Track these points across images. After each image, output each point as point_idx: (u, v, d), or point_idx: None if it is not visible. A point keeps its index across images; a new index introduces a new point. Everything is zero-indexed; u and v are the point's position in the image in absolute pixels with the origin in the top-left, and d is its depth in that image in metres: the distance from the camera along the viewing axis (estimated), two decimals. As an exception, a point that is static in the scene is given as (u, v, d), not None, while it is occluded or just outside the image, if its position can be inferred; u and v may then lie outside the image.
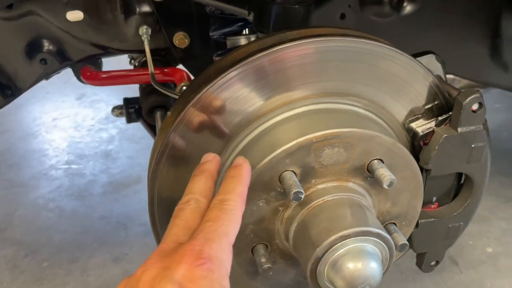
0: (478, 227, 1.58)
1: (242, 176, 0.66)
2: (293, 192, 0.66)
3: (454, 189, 0.85)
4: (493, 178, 1.76)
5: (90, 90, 2.46)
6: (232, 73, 0.70)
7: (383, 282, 1.38)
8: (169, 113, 0.74)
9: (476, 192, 0.82)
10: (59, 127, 2.23)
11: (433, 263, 0.88)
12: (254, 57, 0.69)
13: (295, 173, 0.70)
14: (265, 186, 0.70)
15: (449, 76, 1.17)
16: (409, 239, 0.85)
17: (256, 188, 0.70)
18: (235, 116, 0.72)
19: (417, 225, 0.83)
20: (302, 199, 0.67)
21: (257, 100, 0.72)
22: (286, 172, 0.69)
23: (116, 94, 2.41)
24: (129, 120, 1.39)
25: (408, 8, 1.14)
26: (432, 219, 0.83)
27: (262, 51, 0.70)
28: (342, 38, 0.72)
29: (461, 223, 0.84)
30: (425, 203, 0.85)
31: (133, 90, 1.60)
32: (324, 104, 0.75)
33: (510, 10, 1.19)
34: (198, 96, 0.69)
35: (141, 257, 1.47)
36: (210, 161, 0.69)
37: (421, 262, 0.88)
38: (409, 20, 1.17)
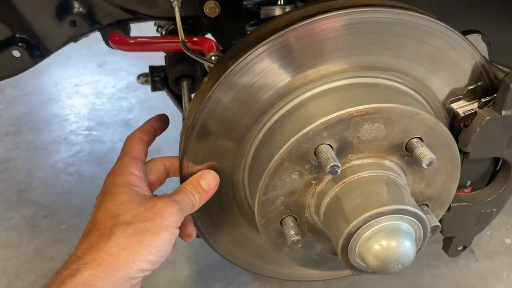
0: (498, 218, 1.52)
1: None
2: (329, 165, 0.65)
3: (489, 174, 0.83)
4: (516, 170, 1.74)
5: (112, 58, 2.44)
6: (274, 41, 0.68)
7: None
8: (206, 78, 0.73)
9: (513, 179, 0.80)
10: (80, 93, 2.23)
11: (460, 248, 0.87)
12: (298, 25, 0.67)
13: (331, 146, 0.68)
14: (300, 158, 0.69)
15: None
16: (440, 223, 0.84)
17: (291, 160, 0.69)
18: (271, 87, 0.70)
19: (448, 208, 0.81)
20: (338, 173, 0.65)
21: (295, 70, 0.70)
22: (323, 145, 0.68)
23: (138, 63, 2.39)
24: (154, 89, 1.38)
25: (446, -13, 1.10)
26: (465, 203, 0.81)
27: (306, 19, 0.67)
28: (391, 9, 0.69)
29: (494, 209, 0.82)
30: (459, 187, 0.83)
31: (155, 60, 1.59)
32: (364, 78, 0.73)
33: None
34: (237, 62, 0.67)
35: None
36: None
37: (448, 246, 0.87)
38: (448, 1, 1.13)
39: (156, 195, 0.74)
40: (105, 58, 2.45)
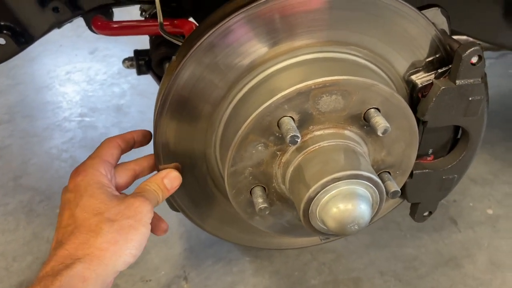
0: (481, 189, 1.60)
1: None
2: (289, 135, 0.69)
3: (450, 143, 0.87)
4: (499, 143, 1.77)
5: (103, 44, 2.47)
6: (236, 18, 0.71)
7: (383, 238, 1.43)
8: (174, 57, 0.76)
9: (472, 146, 0.84)
10: (72, 81, 2.26)
11: (426, 213, 0.91)
12: (259, 2, 0.71)
13: (293, 119, 0.73)
14: (264, 130, 0.73)
15: (462, 37, 1.15)
16: (403, 189, 0.88)
17: (256, 132, 0.73)
18: (238, 62, 0.74)
19: (412, 175, 0.86)
20: (298, 143, 0.70)
21: (260, 46, 0.74)
22: (285, 117, 0.72)
23: (129, 49, 2.39)
24: (139, 72, 1.41)
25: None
26: (427, 170, 0.86)
27: (267, -4, 0.71)
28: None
29: (455, 175, 0.86)
30: (421, 155, 0.87)
31: (145, 45, 1.62)
32: (325, 53, 0.76)
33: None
34: (202, 39, 0.70)
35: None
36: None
37: (414, 212, 0.91)
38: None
39: (125, 194, 0.80)
40: (97, 45, 2.47)
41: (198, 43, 0.71)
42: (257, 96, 0.74)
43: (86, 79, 2.27)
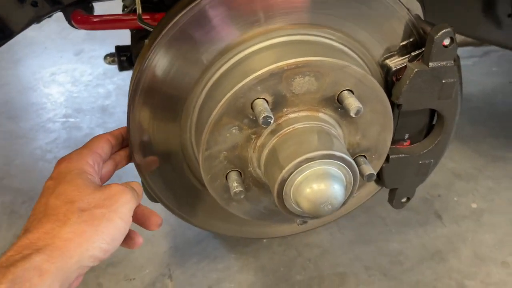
0: (465, 184, 1.61)
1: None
2: (262, 116, 0.68)
3: (426, 128, 0.87)
4: (483, 139, 1.79)
5: (89, 46, 2.46)
6: (206, 1, 0.71)
7: (368, 233, 1.43)
8: (146, 41, 0.76)
9: (447, 129, 0.84)
10: (57, 82, 2.25)
11: (404, 199, 0.91)
12: (229, -15, 0.71)
13: (267, 101, 0.72)
14: (238, 112, 0.73)
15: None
16: (380, 175, 0.88)
17: (229, 115, 0.72)
18: (210, 45, 0.74)
19: (388, 160, 0.85)
20: (271, 124, 0.69)
21: (233, 29, 0.74)
22: (258, 99, 0.72)
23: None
24: (121, 68, 1.41)
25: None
26: (403, 155, 0.86)
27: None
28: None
29: (432, 160, 0.87)
30: (398, 140, 0.87)
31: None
32: (299, 36, 0.77)
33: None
34: (172, 21, 0.70)
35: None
36: None
37: (393, 198, 0.91)
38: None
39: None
40: (82, 46, 2.47)
41: (169, 26, 0.70)
42: (231, 79, 0.74)
43: (71, 80, 2.26)
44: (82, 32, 2.66)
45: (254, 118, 0.73)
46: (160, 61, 0.74)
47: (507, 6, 1.21)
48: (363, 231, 1.43)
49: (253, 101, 0.72)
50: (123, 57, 1.39)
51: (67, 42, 2.46)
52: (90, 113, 2.04)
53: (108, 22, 1.23)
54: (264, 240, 1.39)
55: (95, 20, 1.23)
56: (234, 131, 0.74)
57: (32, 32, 2.73)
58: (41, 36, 2.54)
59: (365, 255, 1.34)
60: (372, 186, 0.95)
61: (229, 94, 0.71)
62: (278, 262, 1.32)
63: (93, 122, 1.99)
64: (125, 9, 1.45)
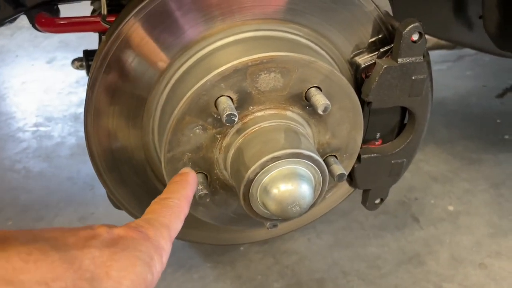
0: (441, 187, 1.61)
1: (187, 181, 0.65)
2: (225, 114, 0.65)
3: (398, 127, 0.86)
4: (459, 142, 1.80)
5: (61, 54, 2.41)
6: (165, -5, 0.68)
7: (346, 238, 1.41)
8: (103, 37, 0.72)
9: (418, 128, 0.82)
10: (28, 91, 2.19)
11: (377, 201, 0.89)
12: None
13: (231, 98, 0.69)
14: (201, 111, 0.69)
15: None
16: (352, 176, 0.86)
17: (192, 114, 0.69)
18: (171, 41, 0.71)
19: (360, 160, 0.83)
20: (235, 122, 0.66)
21: (196, 24, 0.71)
22: (222, 97, 0.69)
23: (88, 59, 2.37)
24: (89, 73, 1.37)
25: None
26: (375, 154, 0.84)
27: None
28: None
29: (404, 159, 0.85)
30: (369, 140, 0.85)
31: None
32: (265, 31, 0.74)
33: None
34: (130, 15, 0.67)
35: (106, 216, 1.46)
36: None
37: (366, 199, 0.89)
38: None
39: None
40: (55, 54, 2.41)
41: (126, 20, 0.67)
42: (194, 76, 0.71)
43: (42, 89, 2.20)
44: (55, 40, 2.62)
45: (219, 117, 0.70)
46: (116, 59, 0.70)
47: (477, 7, 1.22)
48: (341, 236, 1.41)
49: (217, 99, 0.69)
50: (91, 62, 1.34)
51: (39, 50, 2.40)
52: (62, 121, 1.99)
53: (74, 25, 1.19)
54: (241, 248, 1.35)
55: (60, 22, 1.18)
56: (198, 131, 0.71)
57: (3, 40, 2.67)
58: (12, 44, 2.48)
59: (343, 260, 1.32)
60: (345, 188, 0.93)
61: (191, 91, 0.67)
62: (255, 270, 1.29)
63: (65, 130, 1.93)
64: (94, 13, 1.42)
